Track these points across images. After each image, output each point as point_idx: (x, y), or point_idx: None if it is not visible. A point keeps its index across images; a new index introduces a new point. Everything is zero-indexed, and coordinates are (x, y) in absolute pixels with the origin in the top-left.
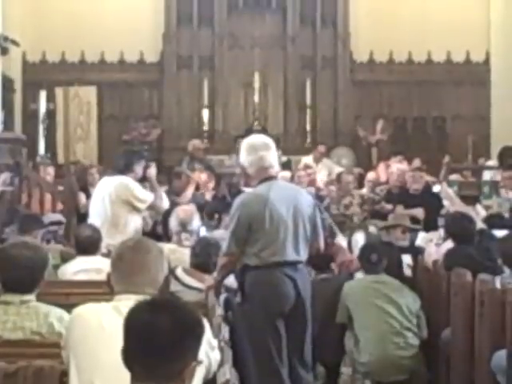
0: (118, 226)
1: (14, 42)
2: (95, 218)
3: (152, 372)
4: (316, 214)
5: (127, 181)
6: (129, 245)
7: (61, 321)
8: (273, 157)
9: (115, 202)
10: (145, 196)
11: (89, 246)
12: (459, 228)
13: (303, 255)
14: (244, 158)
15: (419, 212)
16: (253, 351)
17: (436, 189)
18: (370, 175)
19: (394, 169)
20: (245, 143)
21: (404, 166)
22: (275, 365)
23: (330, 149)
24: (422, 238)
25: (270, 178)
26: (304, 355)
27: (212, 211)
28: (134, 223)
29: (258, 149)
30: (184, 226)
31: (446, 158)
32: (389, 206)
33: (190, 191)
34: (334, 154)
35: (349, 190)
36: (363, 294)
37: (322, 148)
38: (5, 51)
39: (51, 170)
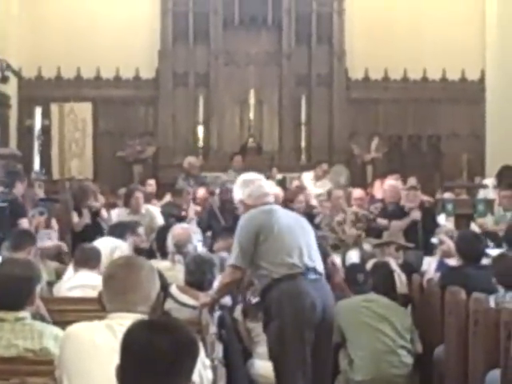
0: None
1: (15, 72)
2: None
3: None
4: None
5: None
6: (120, 263)
7: (56, 340)
8: (268, 186)
9: None
10: None
11: (92, 257)
12: (469, 247)
13: (319, 265)
14: (241, 191)
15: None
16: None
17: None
18: (357, 193)
19: (386, 186)
20: (239, 180)
21: (397, 182)
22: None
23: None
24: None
25: (269, 204)
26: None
27: (205, 228)
28: None
29: (253, 180)
30: (178, 248)
31: None
32: (384, 221)
33: (191, 209)
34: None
35: (340, 205)
36: (355, 313)
37: (325, 166)
38: (5, 79)
39: (41, 191)
